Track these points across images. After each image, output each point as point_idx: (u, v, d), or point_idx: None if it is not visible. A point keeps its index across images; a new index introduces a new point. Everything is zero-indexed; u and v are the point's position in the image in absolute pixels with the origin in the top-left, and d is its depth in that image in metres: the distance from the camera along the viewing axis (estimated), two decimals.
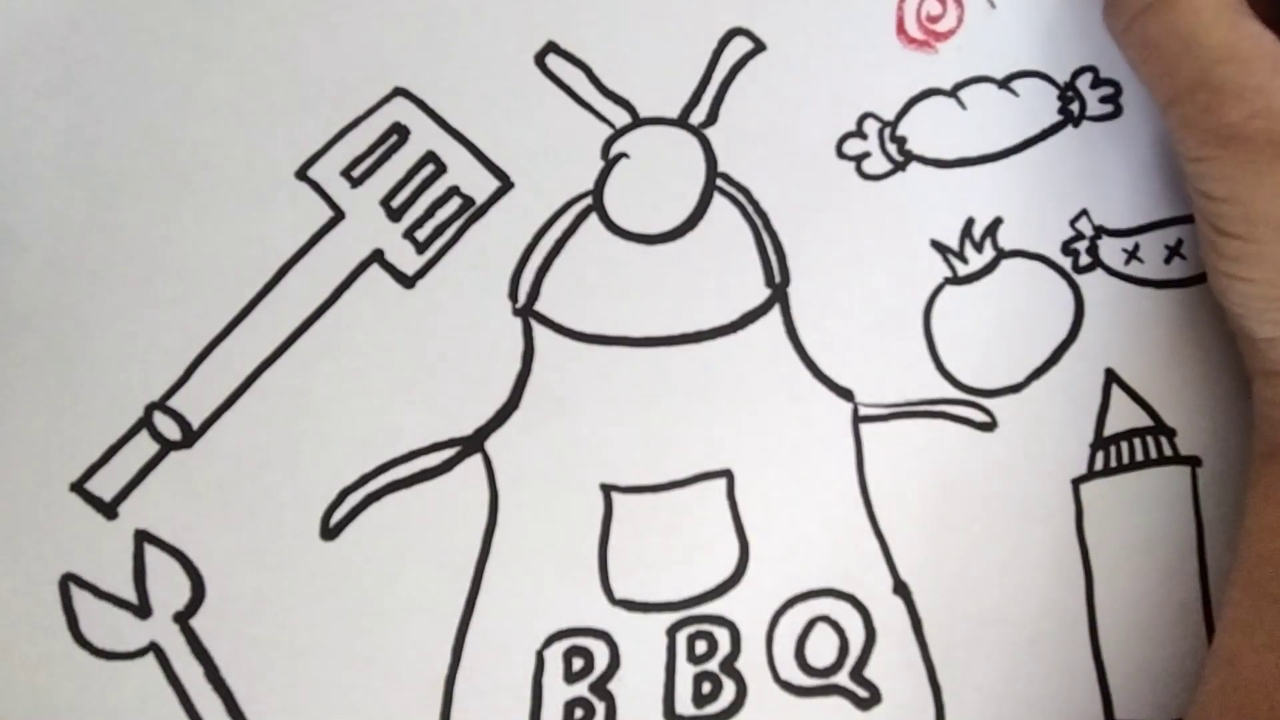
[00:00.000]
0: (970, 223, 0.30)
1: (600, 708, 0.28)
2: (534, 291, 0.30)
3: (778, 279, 0.30)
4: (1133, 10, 0.27)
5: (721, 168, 0.30)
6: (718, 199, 0.30)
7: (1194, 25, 0.25)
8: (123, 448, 0.28)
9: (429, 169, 0.30)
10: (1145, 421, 0.30)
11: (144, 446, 0.28)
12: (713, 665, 0.28)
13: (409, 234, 0.30)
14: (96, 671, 0.27)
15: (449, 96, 0.31)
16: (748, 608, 0.29)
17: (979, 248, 0.30)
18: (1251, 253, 0.26)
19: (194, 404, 0.28)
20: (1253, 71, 0.24)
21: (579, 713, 0.28)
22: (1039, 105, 0.31)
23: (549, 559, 0.28)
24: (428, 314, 0.29)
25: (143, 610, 0.27)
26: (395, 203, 0.30)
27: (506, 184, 0.30)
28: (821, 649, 0.29)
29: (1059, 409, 0.30)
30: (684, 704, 0.28)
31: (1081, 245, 0.31)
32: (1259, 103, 0.24)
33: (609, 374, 0.29)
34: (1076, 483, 0.30)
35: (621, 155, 0.30)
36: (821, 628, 0.29)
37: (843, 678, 0.29)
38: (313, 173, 0.30)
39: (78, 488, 0.28)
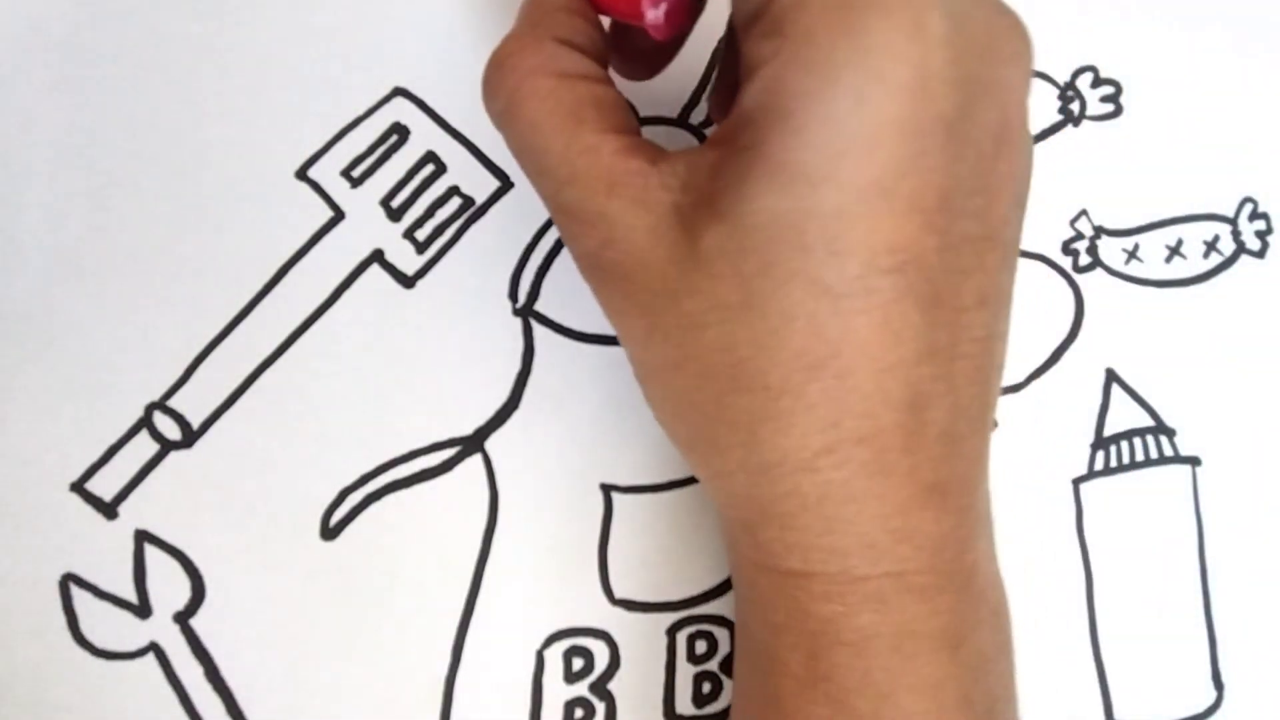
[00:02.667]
0: None
1: (600, 708, 0.28)
2: (534, 291, 0.30)
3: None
4: (493, 113, 0.22)
5: None
6: None
7: (534, 142, 0.21)
8: (123, 448, 0.28)
9: (429, 169, 0.30)
10: (1145, 421, 0.30)
11: (144, 446, 0.28)
12: (713, 665, 0.28)
13: (409, 234, 0.30)
14: (96, 671, 0.27)
15: (449, 96, 0.31)
16: None
17: None
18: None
19: (194, 404, 0.28)
20: (591, 195, 0.20)
21: (579, 713, 0.28)
22: (1039, 105, 0.31)
23: (549, 559, 0.28)
24: (428, 314, 0.29)
25: (143, 610, 0.27)
26: (395, 203, 0.30)
27: (506, 184, 0.30)
28: None
29: (1059, 409, 0.30)
30: (684, 704, 0.28)
31: (1081, 245, 0.31)
32: (603, 231, 0.20)
33: (609, 374, 0.29)
34: (1076, 483, 0.30)
35: None
36: None
37: None
38: (313, 173, 0.30)
39: (78, 488, 0.28)
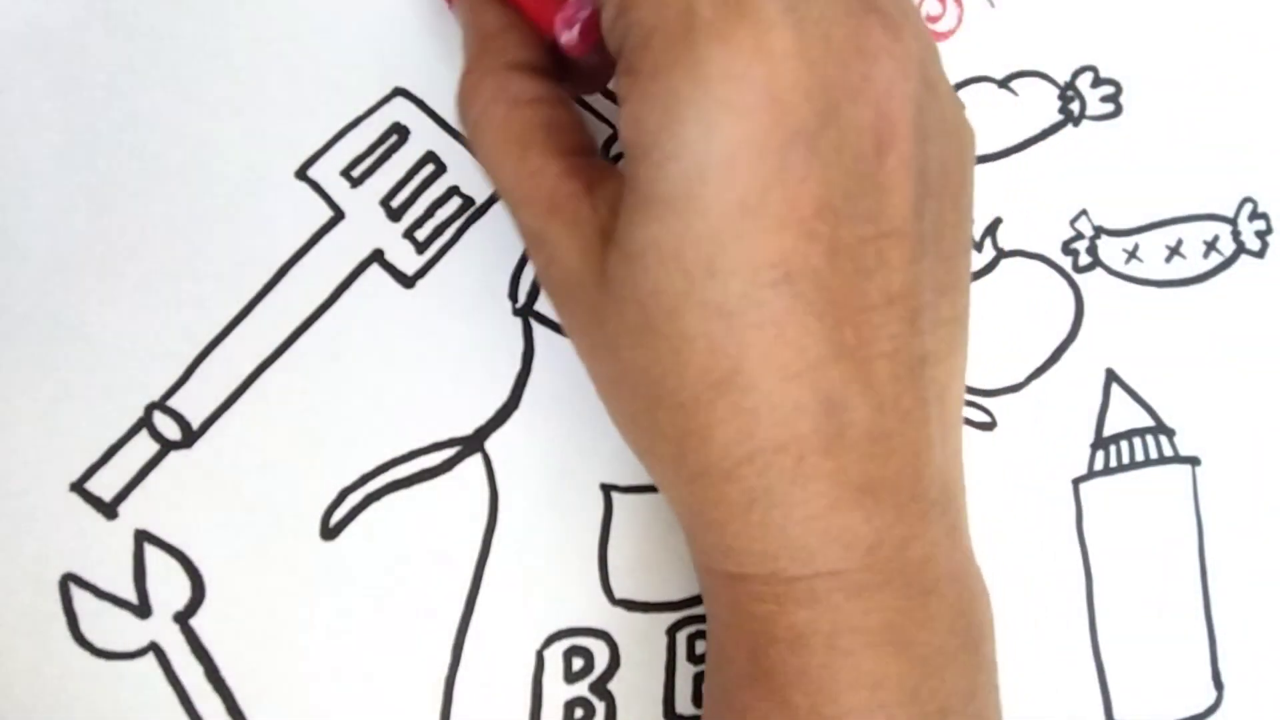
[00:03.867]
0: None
1: (600, 708, 0.28)
2: (534, 291, 0.30)
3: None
4: (468, 141, 0.23)
5: None
6: None
7: (492, 167, 0.22)
8: (123, 448, 0.28)
9: (429, 169, 0.30)
10: (1145, 421, 0.30)
11: (144, 446, 0.28)
12: None
13: (409, 234, 0.30)
14: (96, 671, 0.27)
15: (449, 96, 0.31)
16: None
17: (979, 247, 0.30)
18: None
19: (194, 404, 0.28)
20: (535, 216, 0.21)
21: (579, 713, 0.28)
22: (1039, 105, 0.31)
23: (549, 559, 0.28)
24: (428, 314, 0.29)
25: (143, 610, 0.27)
26: (395, 203, 0.30)
27: None
28: None
29: (1059, 409, 0.30)
30: (684, 704, 0.28)
31: (1081, 245, 0.31)
32: (547, 251, 0.21)
33: None
34: (1076, 483, 0.30)
35: (621, 155, 0.30)
36: None
37: None
38: (313, 173, 0.30)
39: (78, 488, 0.28)
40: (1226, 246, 0.31)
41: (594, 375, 0.22)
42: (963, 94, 0.31)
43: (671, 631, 0.28)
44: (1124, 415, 0.30)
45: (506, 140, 0.22)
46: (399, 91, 0.31)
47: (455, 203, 0.30)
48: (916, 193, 0.20)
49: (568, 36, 0.23)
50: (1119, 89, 0.31)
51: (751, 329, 0.19)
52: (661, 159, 0.18)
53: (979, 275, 0.30)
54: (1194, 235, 0.31)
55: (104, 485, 0.28)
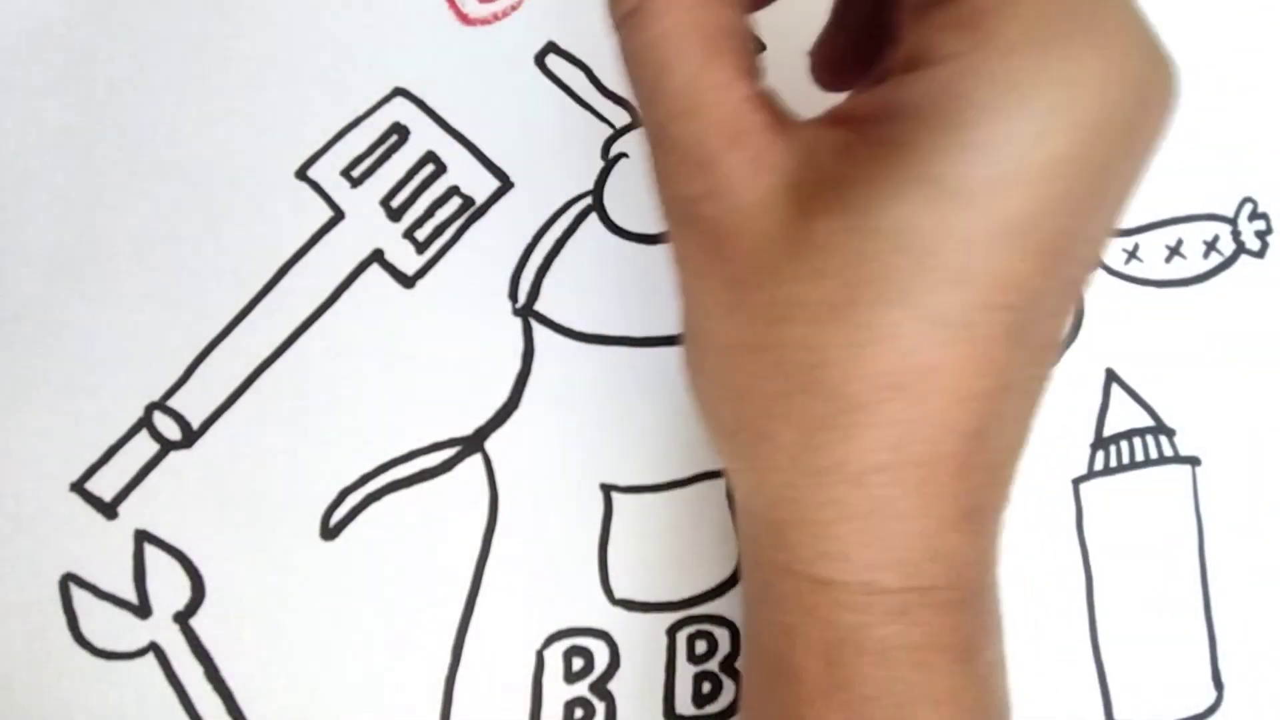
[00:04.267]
0: None
1: (600, 708, 0.28)
2: (534, 291, 0.30)
3: None
4: (618, 11, 0.19)
5: None
6: None
7: (661, 57, 0.18)
8: (123, 448, 0.28)
9: (429, 169, 0.30)
10: (1145, 421, 0.30)
11: (144, 446, 0.28)
12: (713, 665, 0.28)
13: (409, 234, 0.30)
14: (96, 671, 0.27)
15: (449, 96, 0.31)
16: None
17: None
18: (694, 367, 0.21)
19: (194, 404, 0.28)
20: (709, 136, 0.18)
21: (579, 713, 0.28)
22: None
23: (549, 559, 0.28)
24: (428, 314, 0.29)
25: (143, 610, 0.27)
26: (395, 203, 0.30)
27: (506, 184, 0.30)
28: None
29: (1059, 409, 0.30)
30: (684, 704, 0.28)
31: None
32: (710, 181, 0.18)
33: (609, 374, 0.29)
34: (1076, 483, 0.30)
35: (621, 155, 0.30)
36: None
37: None
38: (313, 173, 0.30)
39: (78, 488, 0.28)
40: (1226, 246, 0.31)
41: (713, 334, 0.20)
42: None
43: (671, 631, 0.28)
44: (1124, 415, 0.30)
45: (691, 34, 0.18)
46: (399, 91, 0.31)
47: (455, 203, 0.30)
48: (1107, 229, 0.19)
49: None
50: None
51: (956, 344, 0.17)
52: (978, 143, 0.16)
53: None
54: (1194, 235, 0.31)
55: (104, 485, 0.28)
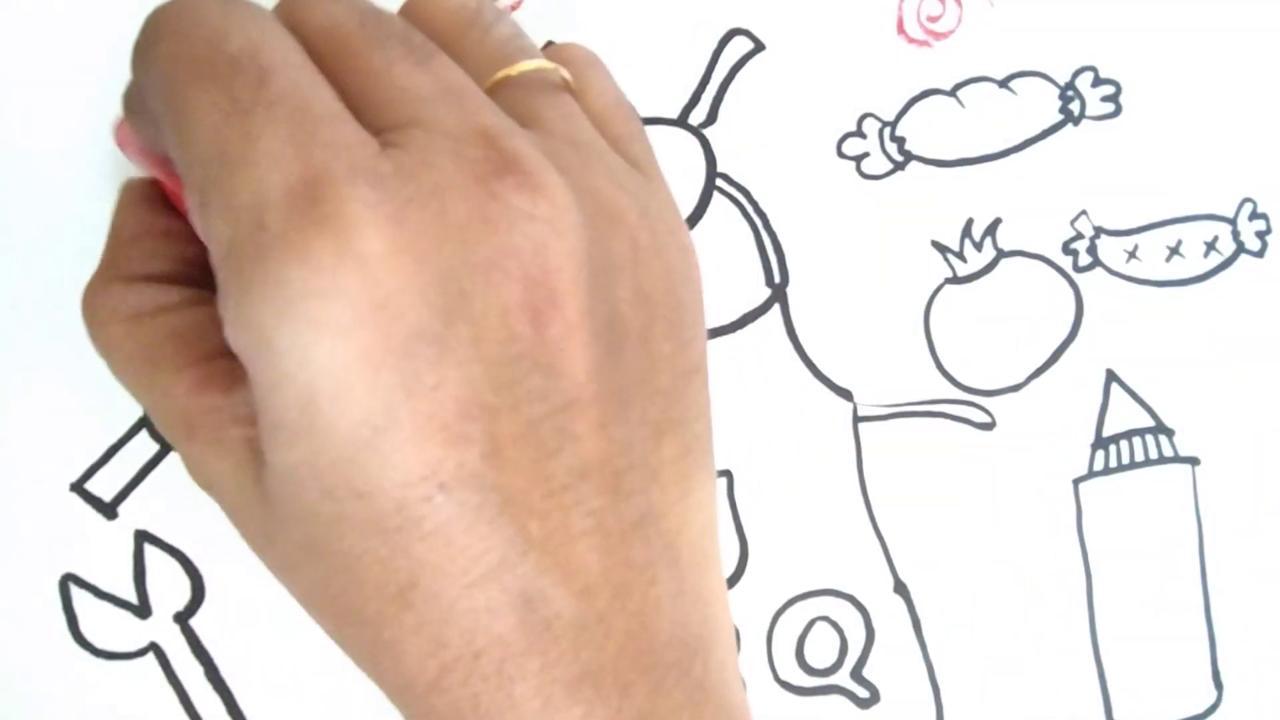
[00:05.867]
0: (970, 223, 0.30)
1: None
2: None
3: (777, 279, 0.30)
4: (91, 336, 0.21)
5: (721, 168, 0.30)
6: (717, 199, 0.30)
7: (127, 388, 0.21)
8: (123, 448, 0.28)
9: None
10: (1145, 421, 0.30)
11: (144, 446, 0.28)
12: None
13: None
14: (96, 671, 0.27)
15: None
16: (747, 607, 0.29)
17: (979, 247, 0.30)
18: None
19: None
20: (178, 440, 0.20)
21: None
22: (1039, 105, 0.31)
23: None
24: None
25: (143, 610, 0.27)
26: None
27: None
28: (821, 649, 0.29)
29: (1059, 409, 0.30)
30: None
31: (1081, 245, 0.31)
32: (200, 476, 0.20)
33: None
34: (1076, 483, 0.30)
35: None
36: (821, 627, 0.29)
37: (843, 677, 0.29)
38: None
39: (78, 488, 0.28)
40: (1226, 246, 0.31)
41: (291, 594, 0.20)
42: (962, 94, 0.31)
43: None
44: (1124, 415, 0.30)
45: (131, 361, 0.20)
46: None
47: None
48: (597, 351, 0.18)
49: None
50: (1119, 89, 0.31)
51: (417, 542, 0.17)
52: (270, 386, 0.17)
53: (979, 276, 0.30)
54: (1194, 235, 0.31)
55: (104, 485, 0.28)
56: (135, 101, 0.21)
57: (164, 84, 0.18)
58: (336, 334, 0.16)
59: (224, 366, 0.20)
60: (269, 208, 0.16)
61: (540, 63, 0.21)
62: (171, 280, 0.21)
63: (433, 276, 0.16)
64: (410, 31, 0.19)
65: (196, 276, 0.22)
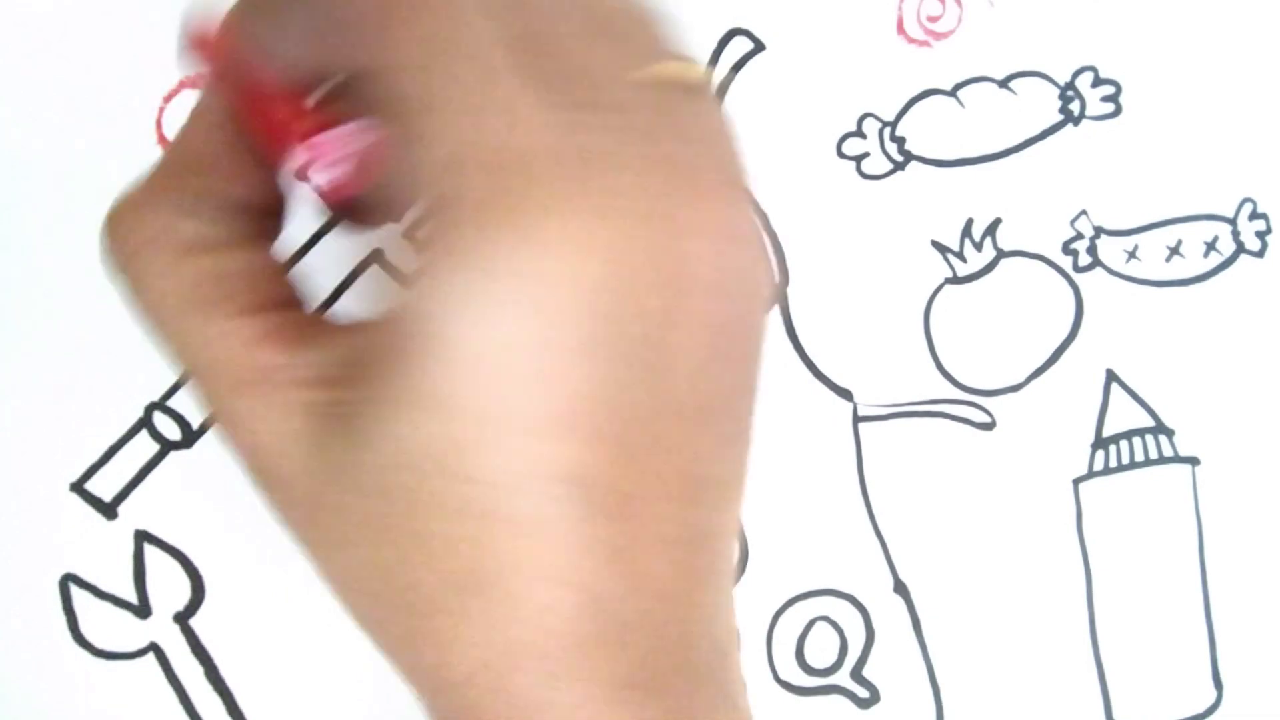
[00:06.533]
0: (970, 223, 0.30)
1: None
2: None
3: (777, 279, 0.30)
4: (114, 281, 0.19)
5: None
6: None
7: (156, 327, 0.19)
8: (123, 448, 0.28)
9: None
10: (1145, 421, 0.30)
11: (144, 446, 0.28)
12: None
13: (409, 234, 0.30)
14: (96, 671, 0.27)
15: None
16: (747, 607, 0.29)
17: (979, 247, 0.30)
18: None
19: (194, 404, 0.28)
20: (221, 392, 0.19)
21: None
22: (1039, 105, 0.31)
23: None
24: None
25: (143, 610, 0.27)
26: None
27: None
28: (821, 649, 0.29)
29: (1059, 409, 0.30)
30: None
31: (1081, 245, 0.31)
32: (242, 435, 0.19)
33: None
34: (1076, 483, 0.30)
35: None
36: (821, 628, 0.29)
37: (843, 677, 0.29)
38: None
39: (78, 488, 0.28)
40: (1226, 246, 0.31)
41: (322, 575, 0.20)
42: (962, 94, 0.31)
43: None
44: (1124, 415, 0.30)
45: (167, 298, 0.19)
46: None
47: None
48: (704, 361, 0.18)
49: (320, 179, 0.19)
50: (1119, 89, 0.31)
51: (512, 534, 0.17)
52: (432, 353, 0.16)
53: (979, 276, 0.30)
54: (1194, 235, 0.31)
55: (104, 485, 0.28)
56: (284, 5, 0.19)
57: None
58: (530, 317, 0.16)
59: (287, 320, 0.19)
60: (515, 172, 0.16)
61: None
62: (227, 214, 0.20)
63: (621, 286, 0.16)
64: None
65: (244, 223, 0.20)
